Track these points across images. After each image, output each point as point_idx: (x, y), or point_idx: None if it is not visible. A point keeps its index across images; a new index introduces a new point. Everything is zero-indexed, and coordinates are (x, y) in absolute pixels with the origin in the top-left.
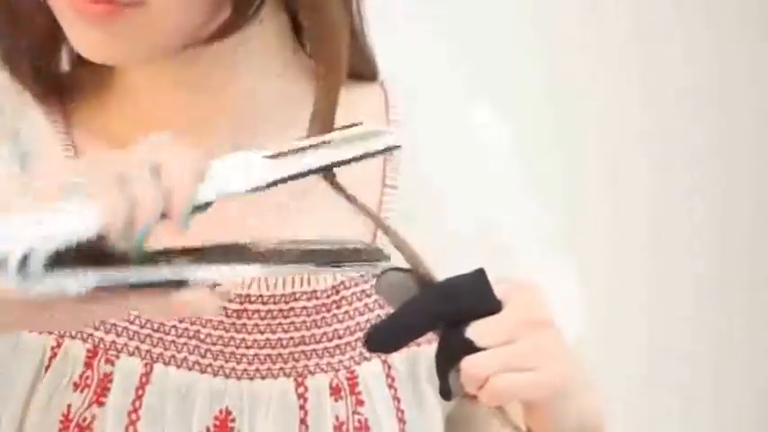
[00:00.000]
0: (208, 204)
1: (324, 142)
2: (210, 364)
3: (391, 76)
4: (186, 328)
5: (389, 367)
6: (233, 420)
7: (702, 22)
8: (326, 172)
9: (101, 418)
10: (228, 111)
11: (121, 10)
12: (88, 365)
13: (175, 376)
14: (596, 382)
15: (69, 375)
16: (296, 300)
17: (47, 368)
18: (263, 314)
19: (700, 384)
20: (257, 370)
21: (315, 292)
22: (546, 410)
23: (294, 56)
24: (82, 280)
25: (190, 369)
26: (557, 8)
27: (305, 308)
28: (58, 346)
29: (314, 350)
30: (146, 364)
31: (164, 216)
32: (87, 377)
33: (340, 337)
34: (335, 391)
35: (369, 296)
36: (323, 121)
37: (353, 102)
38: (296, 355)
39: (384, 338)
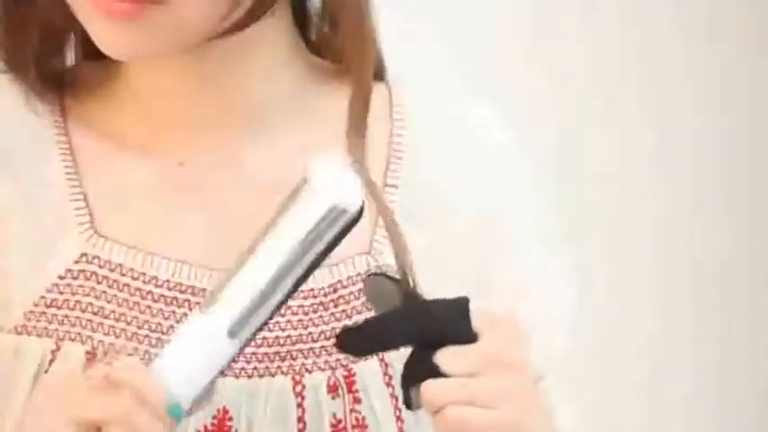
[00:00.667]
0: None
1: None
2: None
3: (395, 76)
4: None
5: (387, 365)
6: (230, 419)
7: (702, 21)
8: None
9: None
10: (234, 108)
11: (146, 6)
12: (88, 367)
13: None
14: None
15: None
16: (293, 298)
17: (46, 371)
18: None
19: (701, 383)
20: (255, 368)
21: (312, 290)
22: None
23: (302, 53)
24: None
25: None
26: (557, 6)
27: (302, 306)
28: (58, 349)
29: (311, 348)
30: (145, 365)
31: None
32: (88, 378)
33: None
34: (333, 389)
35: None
36: (358, 124)
37: None
38: (293, 354)
39: (356, 343)
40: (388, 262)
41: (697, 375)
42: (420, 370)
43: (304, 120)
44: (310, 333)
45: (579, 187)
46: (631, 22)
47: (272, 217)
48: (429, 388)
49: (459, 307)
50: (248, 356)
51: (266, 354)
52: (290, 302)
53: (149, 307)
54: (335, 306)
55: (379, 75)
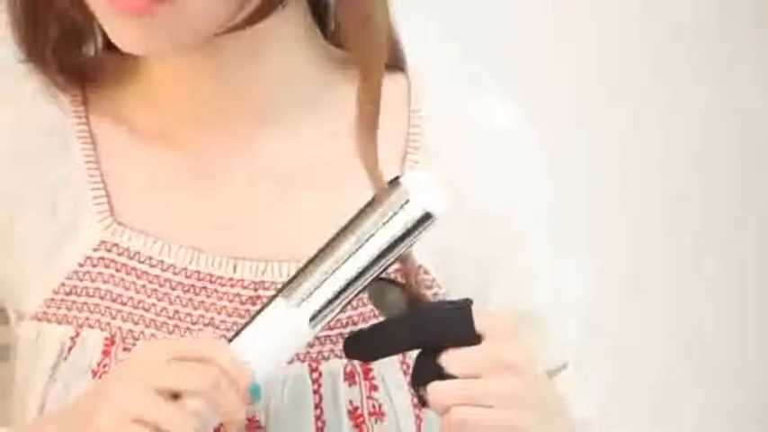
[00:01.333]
0: None
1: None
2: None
3: (416, 66)
4: (202, 315)
5: (405, 354)
6: (249, 405)
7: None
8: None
9: None
10: (252, 99)
11: (157, 3)
12: (106, 353)
13: None
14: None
15: (88, 363)
16: None
17: (66, 357)
18: None
19: (717, 379)
20: None
21: None
22: None
23: (318, 43)
24: None
25: None
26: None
27: None
28: (77, 335)
29: (328, 336)
30: None
31: None
32: (105, 365)
33: (354, 323)
34: (349, 377)
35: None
36: (368, 112)
37: None
38: (310, 341)
39: (362, 349)
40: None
41: (711, 374)
42: (426, 372)
43: (321, 110)
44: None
45: (597, 184)
46: (651, 21)
47: (358, 213)
48: (434, 389)
49: (462, 310)
50: None
51: None
52: None
53: (167, 294)
54: None
55: (399, 65)
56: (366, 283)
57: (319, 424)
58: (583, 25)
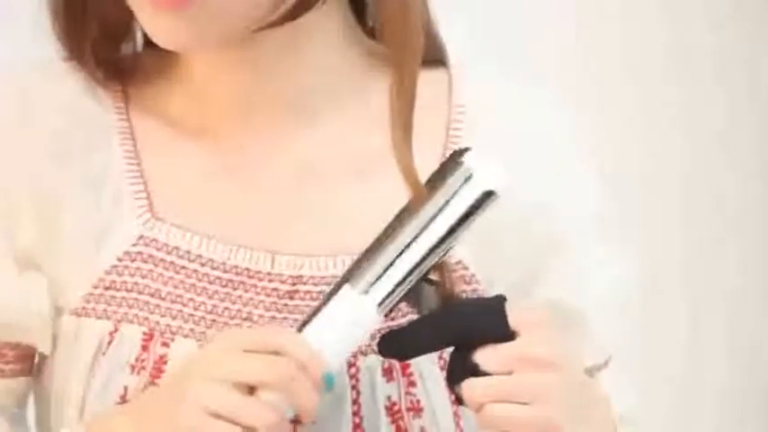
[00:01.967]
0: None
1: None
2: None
3: (458, 62)
4: (239, 310)
5: (442, 350)
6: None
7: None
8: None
9: None
10: (292, 94)
11: None
12: (144, 348)
13: None
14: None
15: (126, 358)
16: None
17: (104, 352)
18: (314, 295)
19: (733, 384)
20: None
21: None
22: None
23: (358, 38)
24: None
25: None
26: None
27: None
28: (116, 330)
29: None
30: (200, 346)
31: None
32: (143, 360)
33: (392, 319)
34: (387, 372)
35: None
36: (401, 109)
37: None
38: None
39: (397, 347)
40: None
41: (730, 371)
42: (461, 369)
43: (359, 103)
44: None
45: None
46: (667, 20)
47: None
48: (469, 386)
49: (495, 306)
50: None
51: None
52: None
53: (205, 289)
54: None
55: (439, 59)
56: (431, 265)
57: (357, 419)
58: (605, 19)
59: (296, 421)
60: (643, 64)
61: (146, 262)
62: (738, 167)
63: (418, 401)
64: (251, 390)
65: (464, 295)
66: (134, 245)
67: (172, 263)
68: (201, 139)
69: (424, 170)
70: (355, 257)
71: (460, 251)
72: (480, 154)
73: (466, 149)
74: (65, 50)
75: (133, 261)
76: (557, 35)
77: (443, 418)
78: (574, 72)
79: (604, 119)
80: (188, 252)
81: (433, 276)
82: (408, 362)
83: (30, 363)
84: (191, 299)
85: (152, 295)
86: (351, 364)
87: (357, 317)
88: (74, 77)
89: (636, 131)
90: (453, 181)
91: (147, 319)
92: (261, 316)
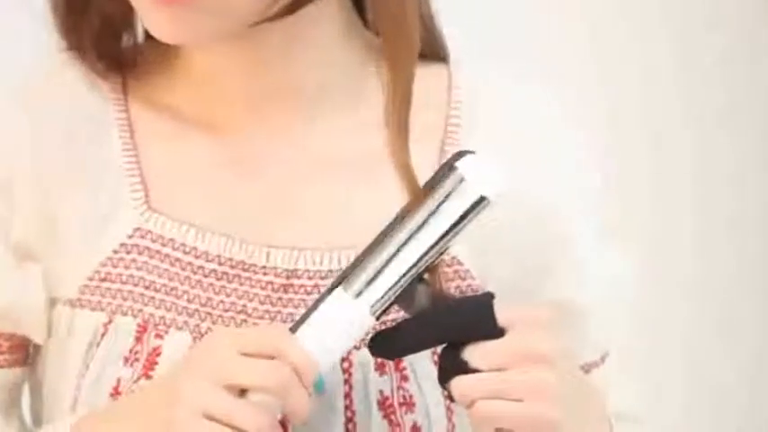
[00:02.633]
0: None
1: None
2: (249, 327)
3: (457, 59)
4: (234, 303)
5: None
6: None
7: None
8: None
9: None
10: (292, 88)
11: None
12: (138, 340)
13: None
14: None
15: (120, 350)
16: None
17: (98, 344)
18: (309, 289)
19: (733, 375)
20: None
21: None
22: None
23: (358, 32)
24: None
25: None
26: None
27: None
28: (110, 322)
29: None
30: (194, 338)
31: None
32: (137, 352)
33: (386, 313)
34: (380, 367)
35: None
36: (397, 106)
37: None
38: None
39: (388, 347)
40: None
41: (731, 367)
42: (452, 367)
43: (359, 97)
44: None
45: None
46: (672, 18)
47: (413, 200)
48: (459, 384)
49: (483, 303)
50: None
51: None
52: None
53: (200, 282)
54: None
55: (440, 55)
56: (424, 267)
57: (349, 414)
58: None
59: (284, 420)
60: (648, 63)
61: (141, 254)
62: (741, 166)
63: (411, 396)
64: (242, 390)
65: (458, 291)
66: (130, 236)
67: (167, 255)
68: (201, 132)
69: (422, 167)
70: (351, 259)
71: (455, 247)
72: (475, 159)
73: (462, 154)
74: (65, 43)
75: (129, 253)
76: (562, 34)
77: (436, 414)
78: (579, 71)
79: (609, 117)
80: (183, 244)
81: (425, 275)
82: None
83: (24, 353)
84: (185, 291)
85: (147, 287)
86: (344, 359)
87: (350, 319)
88: (74, 69)
89: (641, 130)
90: (447, 186)
91: (141, 311)
92: (255, 309)
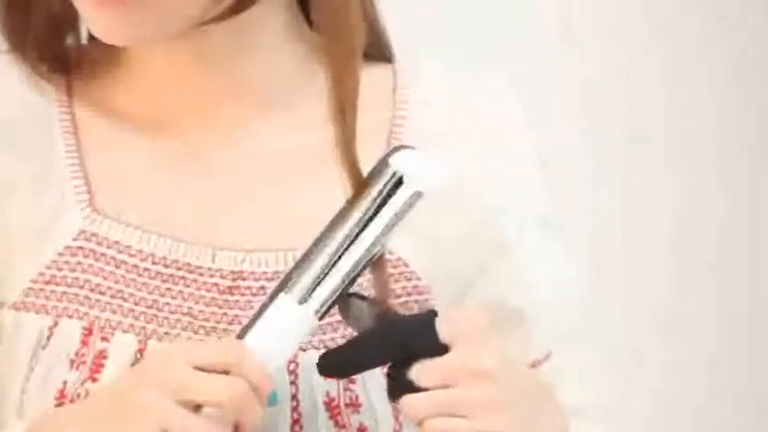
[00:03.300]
0: None
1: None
2: (204, 341)
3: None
4: (180, 305)
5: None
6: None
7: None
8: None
9: None
10: (237, 88)
11: None
12: (84, 343)
13: None
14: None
15: (66, 353)
16: None
17: (44, 346)
18: (255, 291)
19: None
20: None
21: None
22: None
23: (304, 32)
24: None
25: None
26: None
27: None
28: (55, 325)
29: None
30: (140, 341)
31: None
32: (83, 354)
33: (332, 315)
34: None
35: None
36: (338, 106)
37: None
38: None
39: (334, 367)
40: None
41: (715, 356)
42: (400, 385)
43: (306, 97)
44: None
45: (600, 178)
46: (650, 16)
47: (351, 199)
48: (407, 402)
49: (425, 321)
50: None
51: None
52: None
53: (146, 284)
54: None
55: (384, 56)
56: (366, 265)
57: (295, 415)
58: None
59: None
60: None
61: (86, 257)
62: (729, 164)
63: (357, 397)
64: (197, 404)
65: (404, 292)
66: (75, 239)
67: (112, 257)
68: (146, 133)
69: (368, 167)
70: (293, 262)
71: (401, 248)
72: (409, 153)
73: (398, 149)
74: (7, 43)
75: (74, 256)
76: (538, 35)
77: (382, 415)
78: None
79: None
80: (128, 247)
81: (368, 292)
82: None
83: None
84: (131, 294)
85: (92, 290)
86: (290, 360)
87: (295, 324)
88: (17, 71)
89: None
90: (380, 183)
91: (86, 313)
92: (201, 311)
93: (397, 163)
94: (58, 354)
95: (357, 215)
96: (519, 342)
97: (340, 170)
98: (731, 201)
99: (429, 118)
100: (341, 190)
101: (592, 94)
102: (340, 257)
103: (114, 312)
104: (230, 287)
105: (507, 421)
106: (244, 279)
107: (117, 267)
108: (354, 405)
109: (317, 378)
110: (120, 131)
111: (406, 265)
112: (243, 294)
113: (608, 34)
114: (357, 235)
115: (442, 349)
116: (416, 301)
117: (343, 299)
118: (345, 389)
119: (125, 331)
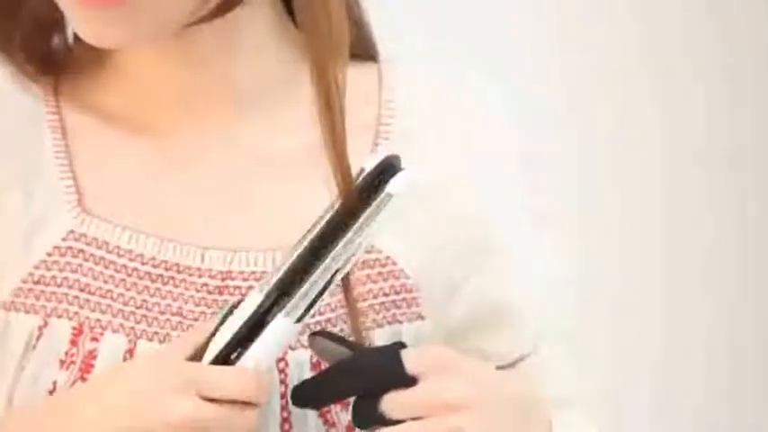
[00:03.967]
0: None
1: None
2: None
3: (391, 58)
4: (169, 305)
5: (370, 344)
6: None
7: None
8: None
9: None
10: (225, 88)
11: None
12: (73, 343)
13: None
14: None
15: (55, 353)
16: None
17: (34, 347)
18: (243, 290)
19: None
20: None
21: None
22: None
23: (290, 32)
24: None
25: None
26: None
27: None
28: (45, 325)
29: None
30: (130, 341)
31: None
32: (73, 354)
33: (321, 314)
34: (315, 367)
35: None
36: (326, 105)
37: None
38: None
39: (308, 398)
40: None
41: (710, 359)
42: (370, 416)
43: (293, 96)
44: None
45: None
46: (642, 16)
47: (346, 194)
48: None
49: (390, 354)
50: None
51: None
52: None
53: (135, 284)
54: None
55: (369, 55)
56: (344, 263)
57: (285, 414)
58: (577, 19)
59: None
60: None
61: (75, 257)
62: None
63: None
64: None
65: (392, 290)
66: (64, 239)
67: (102, 258)
68: (134, 133)
69: (354, 167)
70: (272, 273)
71: (389, 246)
72: (376, 158)
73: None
74: None
75: (63, 256)
76: (534, 36)
77: None
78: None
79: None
80: (117, 247)
81: (337, 328)
82: None
83: None
84: (120, 294)
85: (81, 290)
86: (279, 359)
87: (283, 336)
88: (4, 71)
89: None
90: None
91: (76, 313)
92: (191, 311)
93: (368, 166)
94: (48, 354)
95: (327, 215)
96: (500, 342)
97: (328, 169)
98: (724, 198)
99: (415, 117)
100: (329, 189)
101: (582, 92)
102: (324, 273)
103: (104, 312)
104: (219, 287)
105: None
106: (233, 279)
107: (106, 267)
108: (344, 403)
109: (308, 376)
110: (109, 131)
111: (395, 264)
112: (232, 294)
113: (599, 31)
114: (332, 240)
115: (410, 380)
116: (404, 300)
117: (312, 337)
118: None
119: (115, 331)
